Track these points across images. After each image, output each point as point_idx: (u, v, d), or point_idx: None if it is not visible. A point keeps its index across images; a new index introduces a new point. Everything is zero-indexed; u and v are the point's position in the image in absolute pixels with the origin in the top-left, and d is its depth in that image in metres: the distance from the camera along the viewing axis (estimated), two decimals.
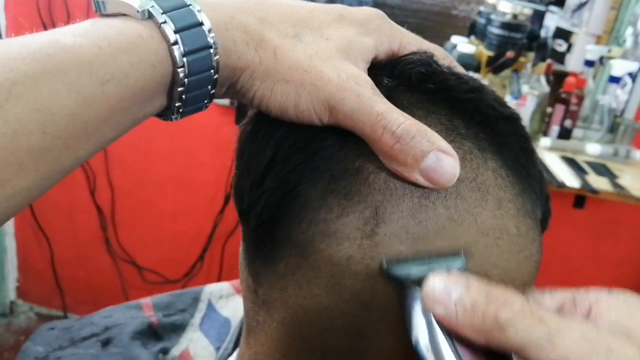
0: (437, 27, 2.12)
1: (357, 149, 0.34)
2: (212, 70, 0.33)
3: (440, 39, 2.02)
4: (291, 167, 0.35)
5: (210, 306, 0.60)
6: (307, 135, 0.35)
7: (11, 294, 2.18)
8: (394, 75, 0.37)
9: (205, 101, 0.35)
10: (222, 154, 1.90)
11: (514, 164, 0.36)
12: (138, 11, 0.31)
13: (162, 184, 1.99)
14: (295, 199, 0.34)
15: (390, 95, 0.35)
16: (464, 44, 1.78)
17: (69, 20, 1.79)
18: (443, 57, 0.39)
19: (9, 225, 2.06)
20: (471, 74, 0.41)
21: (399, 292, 0.32)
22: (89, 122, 0.29)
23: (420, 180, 0.33)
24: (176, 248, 2.06)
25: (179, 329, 0.57)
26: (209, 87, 0.34)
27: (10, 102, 0.27)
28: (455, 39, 1.85)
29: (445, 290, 0.29)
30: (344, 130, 0.34)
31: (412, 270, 0.32)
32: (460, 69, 0.39)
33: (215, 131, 1.87)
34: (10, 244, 2.10)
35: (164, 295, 0.62)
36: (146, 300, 0.61)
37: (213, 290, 0.62)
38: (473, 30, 1.88)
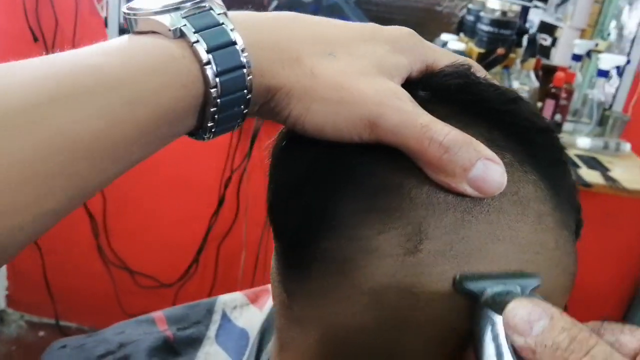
0: (422, 24, 2.11)
1: (397, 164, 0.33)
2: (245, 90, 0.32)
3: (426, 35, 2.01)
4: (330, 183, 0.34)
5: (224, 317, 0.59)
6: (345, 151, 0.34)
7: (1, 303, 2.14)
8: (431, 88, 0.36)
9: (238, 120, 0.34)
10: (215, 155, 1.88)
11: (550, 176, 0.36)
12: (170, 30, 0.31)
13: (154, 187, 1.97)
14: (333, 216, 0.34)
15: (426, 108, 0.34)
16: (454, 42, 1.79)
17: (56, 22, 1.77)
18: (478, 69, 0.38)
19: None
20: None
21: (471, 310, 0.31)
22: (117, 142, 0.29)
23: (469, 190, 0.32)
24: (170, 251, 2.04)
25: (195, 342, 0.57)
26: (242, 106, 0.33)
27: (37, 124, 0.26)
28: (445, 36, 1.86)
29: (528, 320, 0.27)
30: (381, 146, 0.33)
31: (487, 287, 0.31)
32: (494, 81, 0.38)
33: None
34: None
35: (177, 308, 0.61)
36: (158, 314, 0.60)
37: (227, 300, 0.61)
38: (462, 27, 1.89)
